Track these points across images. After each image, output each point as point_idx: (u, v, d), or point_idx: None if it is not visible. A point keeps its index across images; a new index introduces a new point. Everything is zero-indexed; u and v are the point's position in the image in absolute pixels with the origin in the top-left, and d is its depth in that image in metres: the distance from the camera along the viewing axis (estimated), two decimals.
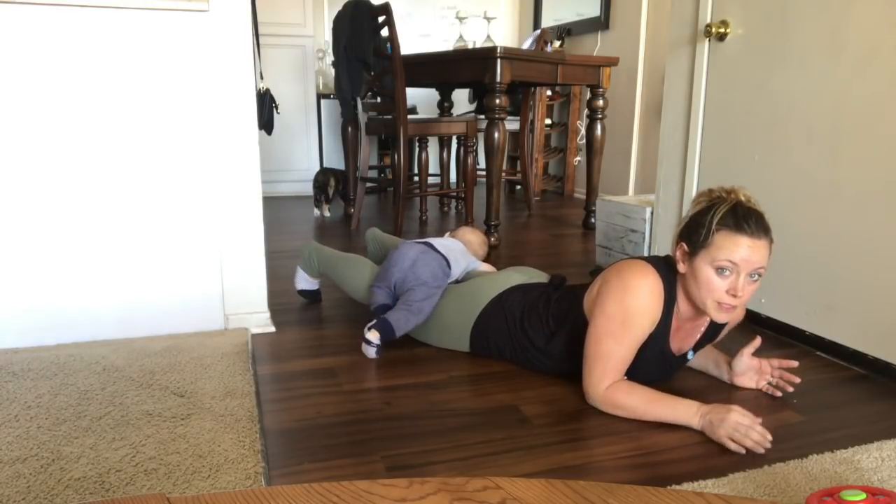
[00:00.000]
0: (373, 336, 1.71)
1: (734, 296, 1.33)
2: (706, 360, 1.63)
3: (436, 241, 1.94)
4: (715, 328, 1.53)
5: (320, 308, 2.16)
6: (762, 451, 1.26)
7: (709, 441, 1.30)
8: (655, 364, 1.48)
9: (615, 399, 1.39)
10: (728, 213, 1.33)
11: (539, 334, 1.61)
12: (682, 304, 1.45)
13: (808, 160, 1.86)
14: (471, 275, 1.93)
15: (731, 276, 1.33)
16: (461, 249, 1.99)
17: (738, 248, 1.31)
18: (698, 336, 1.53)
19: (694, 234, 1.36)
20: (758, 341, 1.54)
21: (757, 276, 1.34)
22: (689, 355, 1.55)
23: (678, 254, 1.41)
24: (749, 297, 1.35)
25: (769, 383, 1.55)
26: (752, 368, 1.55)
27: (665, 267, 1.45)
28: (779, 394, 1.52)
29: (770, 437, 1.27)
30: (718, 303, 1.35)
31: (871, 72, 1.67)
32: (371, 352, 1.72)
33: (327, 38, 4.73)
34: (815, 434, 1.36)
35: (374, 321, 1.73)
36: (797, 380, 1.52)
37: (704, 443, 1.30)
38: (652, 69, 4.08)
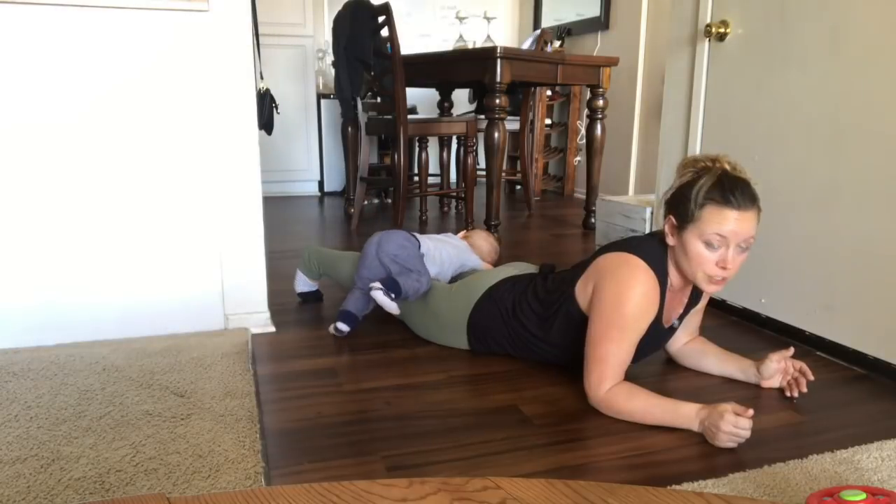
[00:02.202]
0: (377, 292, 1.74)
1: (724, 268, 1.36)
2: (731, 368, 1.62)
3: (419, 235, 2.00)
4: (697, 294, 1.57)
5: (320, 308, 2.16)
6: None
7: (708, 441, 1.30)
8: (649, 341, 1.49)
9: (615, 404, 1.39)
10: (714, 185, 1.33)
11: (532, 321, 1.61)
12: (673, 278, 1.48)
13: (808, 160, 1.86)
14: (469, 273, 1.94)
15: (720, 248, 1.35)
16: (459, 246, 2.00)
17: (726, 222, 1.32)
18: (684, 303, 1.56)
19: (681, 207, 1.37)
20: (790, 351, 1.54)
21: (746, 246, 1.36)
22: (676, 324, 1.58)
23: (667, 227, 1.42)
24: (738, 268, 1.38)
25: (788, 382, 1.55)
26: (779, 371, 1.56)
27: (656, 250, 1.45)
28: (788, 394, 1.53)
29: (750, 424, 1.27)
30: (709, 275, 1.39)
31: (871, 72, 1.67)
32: (387, 303, 1.73)
33: (327, 38, 4.73)
34: (815, 434, 1.36)
35: (384, 280, 1.77)
36: (804, 389, 1.52)
37: (704, 443, 1.30)
38: (652, 69, 4.08)
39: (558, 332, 1.57)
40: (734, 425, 1.25)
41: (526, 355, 1.69)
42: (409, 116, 3.33)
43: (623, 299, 1.39)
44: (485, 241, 2.14)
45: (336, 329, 1.86)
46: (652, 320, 1.43)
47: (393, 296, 1.76)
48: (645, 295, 1.39)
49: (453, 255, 1.97)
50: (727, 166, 1.37)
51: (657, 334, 1.50)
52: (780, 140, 1.94)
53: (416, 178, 4.20)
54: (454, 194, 3.95)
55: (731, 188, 1.33)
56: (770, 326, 2.01)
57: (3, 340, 1.73)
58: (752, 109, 2.03)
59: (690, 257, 1.38)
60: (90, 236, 1.75)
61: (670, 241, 1.42)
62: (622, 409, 1.38)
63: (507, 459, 1.24)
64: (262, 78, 2.91)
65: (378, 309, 1.88)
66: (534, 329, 1.62)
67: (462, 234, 2.15)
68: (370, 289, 1.76)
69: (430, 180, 4.61)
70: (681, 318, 1.58)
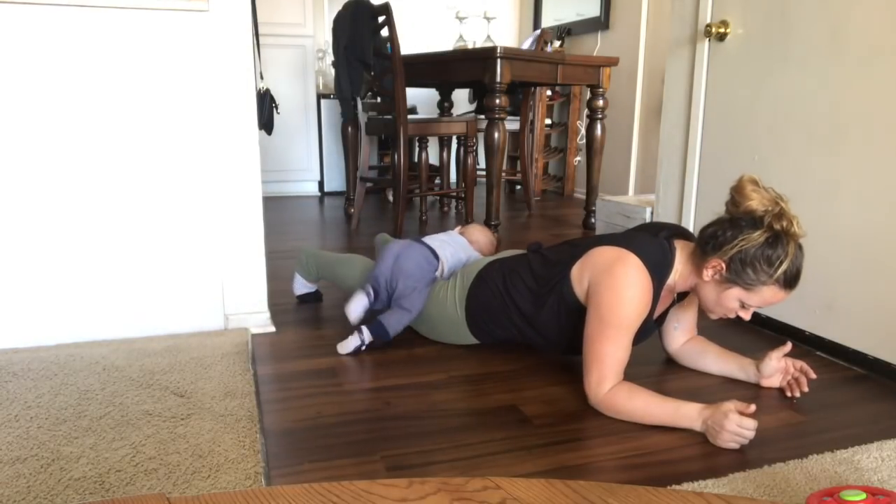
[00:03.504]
0: (366, 334, 1.74)
1: (738, 315, 1.41)
2: (731, 367, 1.62)
3: (427, 238, 1.96)
4: (683, 292, 1.57)
5: (320, 308, 2.16)
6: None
7: (709, 441, 1.30)
8: (638, 335, 1.49)
9: (615, 404, 1.39)
10: (787, 269, 1.31)
11: (525, 297, 1.60)
12: (678, 284, 1.48)
13: (808, 160, 1.86)
14: None
15: (750, 308, 1.39)
16: (461, 243, 2.00)
17: (777, 300, 1.36)
18: (672, 299, 1.56)
19: (742, 269, 1.33)
20: (788, 346, 1.54)
21: None
22: (664, 317, 1.62)
23: (710, 268, 1.38)
24: None
25: (788, 382, 1.55)
26: (779, 370, 1.56)
27: (652, 247, 1.44)
28: (789, 394, 1.52)
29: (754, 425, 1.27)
30: (723, 316, 1.43)
31: (871, 72, 1.67)
32: (350, 346, 1.74)
33: (327, 38, 4.73)
34: (815, 434, 1.36)
35: (371, 322, 1.76)
36: (805, 389, 1.52)
37: (704, 443, 1.30)
38: (652, 69, 4.08)
39: (549, 312, 1.56)
40: (738, 425, 1.25)
41: (523, 340, 1.69)
42: (409, 116, 3.33)
43: (619, 300, 1.39)
44: (482, 234, 2.13)
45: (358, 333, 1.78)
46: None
47: (364, 344, 1.75)
48: (641, 296, 1.40)
49: (461, 259, 1.97)
50: (797, 230, 1.32)
51: (646, 328, 1.51)
52: (780, 139, 1.94)
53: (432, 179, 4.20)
54: (454, 194, 3.95)
55: (797, 274, 1.33)
56: (770, 326, 2.01)
57: (3, 340, 1.73)
58: (752, 109, 2.03)
59: (721, 304, 1.40)
60: (90, 236, 1.75)
61: (706, 276, 1.39)
62: (623, 409, 1.38)
63: (507, 459, 1.24)
64: (262, 78, 2.91)
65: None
66: (525, 306, 1.61)
67: (458, 228, 2.15)
68: (358, 323, 1.78)
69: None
70: (666, 311, 1.60)
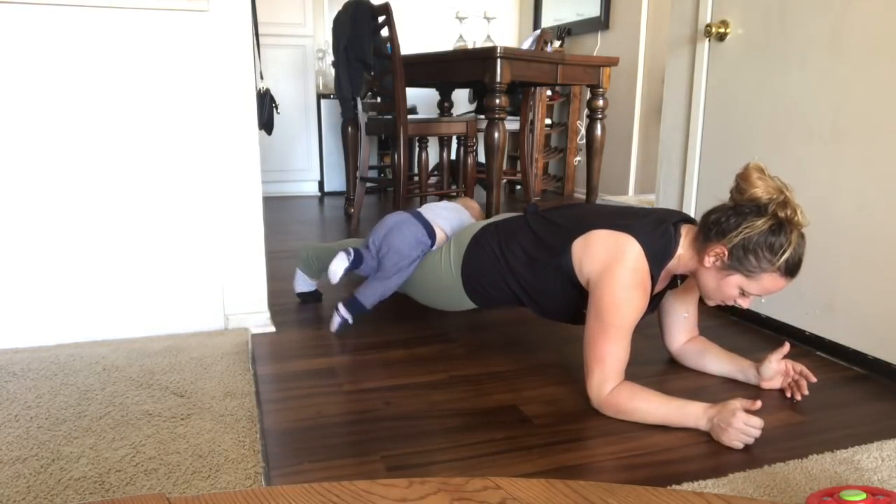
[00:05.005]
0: (343, 311, 1.87)
1: (735, 304, 1.40)
2: (731, 368, 1.62)
3: (427, 209, 1.96)
4: (676, 278, 1.57)
5: (320, 308, 2.16)
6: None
7: (708, 441, 1.31)
8: None
9: (618, 404, 1.38)
10: (789, 258, 1.31)
11: (520, 261, 1.59)
12: (678, 269, 1.47)
13: (808, 160, 1.86)
14: None
15: (749, 297, 1.38)
16: (465, 212, 2.03)
17: (777, 289, 1.35)
18: (668, 282, 1.56)
19: (744, 256, 1.33)
20: (786, 347, 1.53)
21: None
22: (658, 300, 1.61)
23: (712, 254, 1.37)
24: None
25: (789, 383, 1.55)
26: (779, 372, 1.55)
27: (652, 235, 1.43)
28: (789, 395, 1.53)
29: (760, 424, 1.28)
30: (721, 304, 1.42)
31: (871, 72, 1.67)
32: (335, 324, 1.89)
33: (327, 38, 4.73)
34: (815, 434, 1.36)
35: (348, 299, 1.89)
36: (805, 392, 1.52)
37: (704, 443, 1.30)
38: (652, 69, 4.08)
39: (546, 279, 1.55)
40: (745, 423, 1.25)
41: (520, 303, 1.68)
42: (409, 116, 3.33)
43: (618, 301, 1.39)
44: (475, 203, 2.16)
45: (339, 314, 1.90)
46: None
47: (345, 319, 1.88)
48: (640, 295, 1.40)
49: (463, 222, 1.98)
50: (800, 219, 1.32)
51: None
52: (780, 140, 1.94)
53: (416, 178, 4.20)
54: (454, 194, 3.96)
55: (798, 263, 1.33)
56: (770, 326, 2.01)
57: (3, 340, 1.73)
58: (752, 109, 2.03)
59: (720, 290, 1.39)
60: (90, 236, 1.75)
61: (707, 262, 1.38)
62: (626, 409, 1.38)
63: (507, 459, 1.24)
64: (262, 78, 2.91)
65: (379, 309, 1.88)
66: (521, 269, 1.59)
67: (457, 201, 2.17)
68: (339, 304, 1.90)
69: (430, 180, 4.60)
70: (661, 295, 1.59)
